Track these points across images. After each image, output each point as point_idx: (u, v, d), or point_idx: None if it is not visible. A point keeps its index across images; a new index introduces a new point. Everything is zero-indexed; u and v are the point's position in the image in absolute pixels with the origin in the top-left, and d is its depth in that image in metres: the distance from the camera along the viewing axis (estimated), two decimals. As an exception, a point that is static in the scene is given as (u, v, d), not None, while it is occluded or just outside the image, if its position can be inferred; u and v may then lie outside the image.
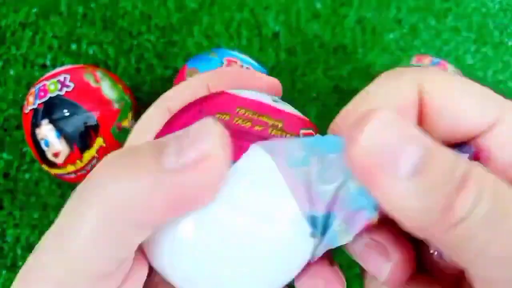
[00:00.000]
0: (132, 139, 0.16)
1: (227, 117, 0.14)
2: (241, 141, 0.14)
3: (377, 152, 0.10)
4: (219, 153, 0.12)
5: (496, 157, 0.13)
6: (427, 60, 0.29)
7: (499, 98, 0.13)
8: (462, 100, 0.13)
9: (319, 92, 0.34)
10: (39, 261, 0.13)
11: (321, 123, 0.36)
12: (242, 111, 0.15)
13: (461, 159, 0.11)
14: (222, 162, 0.12)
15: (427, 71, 0.13)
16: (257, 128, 0.14)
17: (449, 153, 0.11)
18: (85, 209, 0.13)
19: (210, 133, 0.12)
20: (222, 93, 0.15)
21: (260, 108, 0.15)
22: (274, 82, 0.16)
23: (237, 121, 0.14)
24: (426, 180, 0.10)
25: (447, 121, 0.13)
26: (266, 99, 0.15)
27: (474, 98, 0.13)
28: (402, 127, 0.11)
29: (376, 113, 0.11)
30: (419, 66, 0.28)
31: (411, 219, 0.11)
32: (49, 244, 0.13)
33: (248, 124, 0.14)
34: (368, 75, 0.35)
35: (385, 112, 0.11)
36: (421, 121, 0.13)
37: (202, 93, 0.16)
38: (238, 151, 0.13)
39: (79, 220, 0.13)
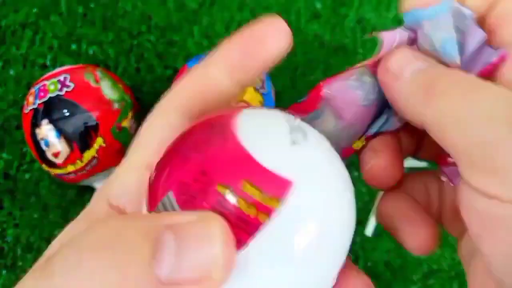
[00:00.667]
0: (136, 148, 0.16)
1: (228, 194, 0.11)
2: (239, 234, 0.11)
3: (394, 68, 0.15)
4: (220, 276, 0.10)
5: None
6: None
7: None
8: None
9: (319, 92, 0.34)
10: None
11: (321, 123, 0.36)
12: (248, 187, 0.12)
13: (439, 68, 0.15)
14: (221, 283, 0.11)
15: None
16: (260, 218, 0.12)
17: (437, 64, 0.15)
18: None
19: (212, 240, 0.10)
20: (230, 137, 0.12)
21: (269, 185, 0.12)
22: (280, 44, 0.17)
23: (240, 202, 0.11)
24: (419, 81, 0.15)
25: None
26: (283, 142, 0.13)
27: None
28: (413, 57, 0.15)
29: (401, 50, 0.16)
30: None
31: (409, 101, 0.15)
32: None
33: (252, 213, 0.11)
34: (368, 75, 0.35)
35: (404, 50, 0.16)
36: None
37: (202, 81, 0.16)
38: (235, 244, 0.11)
39: None
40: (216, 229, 0.11)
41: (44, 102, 0.27)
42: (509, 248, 0.12)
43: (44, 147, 0.27)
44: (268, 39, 0.16)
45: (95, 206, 0.16)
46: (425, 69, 0.15)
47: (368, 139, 0.17)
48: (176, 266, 0.10)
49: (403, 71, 0.15)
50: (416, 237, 0.17)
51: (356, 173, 0.32)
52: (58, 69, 0.29)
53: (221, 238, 0.10)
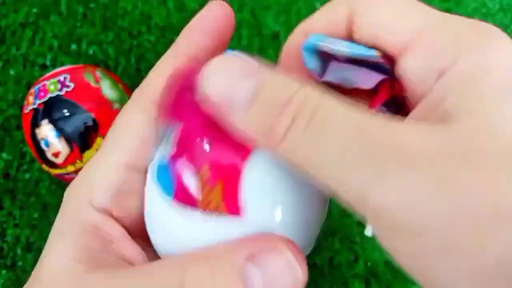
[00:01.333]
0: (111, 145, 0.16)
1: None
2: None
3: (218, 89, 0.12)
4: None
5: (409, 76, 0.13)
6: None
7: (423, 9, 0.14)
8: (385, 16, 0.13)
9: (319, 92, 0.34)
10: None
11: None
12: (205, 170, 0.13)
13: (293, 84, 0.12)
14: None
15: None
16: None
17: (281, 80, 0.12)
18: None
19: (292, 265, 0.12)
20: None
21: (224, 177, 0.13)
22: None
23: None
24: (258, 108, 0.12)
25: (370, 37, 0.14)
26: None
27: (397, 13, 0.13)
28: (239, 63, 0.12)
29: (219, 57, 0.12)
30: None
31: (257, 142, 0.12)
32: None
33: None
34: (368, 75, 0.35)
35: (227, 54, 0.12)
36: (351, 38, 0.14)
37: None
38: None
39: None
40: (288, 253, 0.12)
41: (44, 102, 0.27)
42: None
43: (44, 147, 0.27)
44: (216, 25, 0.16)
45: (78, 211, 0.16)
46: (260, 92, 0.12)
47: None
48: None
49: (232, 97, 0.12)
50: None
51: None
52: (58, 69, 0.29)
53: (296, 259, 0.12)
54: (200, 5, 0.36)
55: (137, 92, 0.17)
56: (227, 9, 0.16)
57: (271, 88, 0.12)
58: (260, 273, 0.12)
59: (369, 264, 0.30)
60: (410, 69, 0.13)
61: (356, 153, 0.11)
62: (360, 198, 0.11)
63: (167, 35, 0.36)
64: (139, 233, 0.16)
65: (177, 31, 0.36)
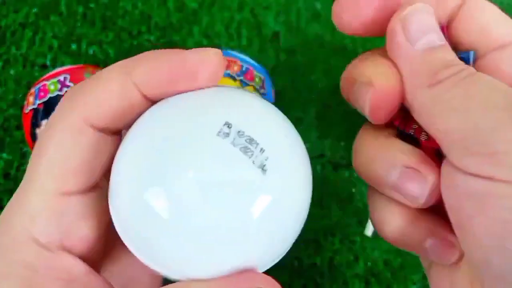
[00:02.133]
0: (41, 169, 0.14)
1: None
2: None
3: (411, 31, 0.15)
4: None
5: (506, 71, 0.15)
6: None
7: None
8: (490, 16, 0.16)
9: (319, 92, 0.34)
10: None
11: (321, 123, 0.36)
12: None
13: (457, 60, 0.14)
14: None
15: None
16: None
17: (451, 54, 0.15)
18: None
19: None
20: None
21: None
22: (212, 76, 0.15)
23: None
24: (430, 57, 0.14)
25: (472, 31, 0.16)
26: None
27: (501, 18, 0.16)
28: (433, 26, 0.15)
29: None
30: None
31: (409, 78, 0.15)
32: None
33: None
34: (368, 75, 0.35)
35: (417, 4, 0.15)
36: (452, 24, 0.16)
37: (129, 94, 0.14)
38: None
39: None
40: None
41: (44, 102, 0.27)
42: (502, 226, 0.12)
43: (44, 147, 0.27)
44: (199, 75, 0.14)
45: (20, 251, 0.14)
46: (436, 48, 0.15)
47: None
48: None
49: (418, 40, 0.15)
50: None
51: (356, 174, 0.32)
52: (58, 69, 0.29)
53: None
54: (200, 5, 0.36)
55: (66, 105, 0.15)
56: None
57: (442, 48, 0.15)
58: None
59: (369, 264, 0.30)
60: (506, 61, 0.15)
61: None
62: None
63: (167, 35, 0.36)
64: (98, 259, 0.15)
65: (177, 31, 0.36)
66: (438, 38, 0.15)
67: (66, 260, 0.14)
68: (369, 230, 0.31)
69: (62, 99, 0.15)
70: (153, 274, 0.17)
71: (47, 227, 0.14)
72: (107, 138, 0.15)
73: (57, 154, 0.14)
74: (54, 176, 0.14)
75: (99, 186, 0.15)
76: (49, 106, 0.27)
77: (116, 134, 0.15)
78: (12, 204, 0.14)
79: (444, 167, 0.14)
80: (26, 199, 0.14)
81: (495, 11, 0.16)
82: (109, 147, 0.15)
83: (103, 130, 0.14)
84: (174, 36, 0.36)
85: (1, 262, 0.13)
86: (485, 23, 0.15)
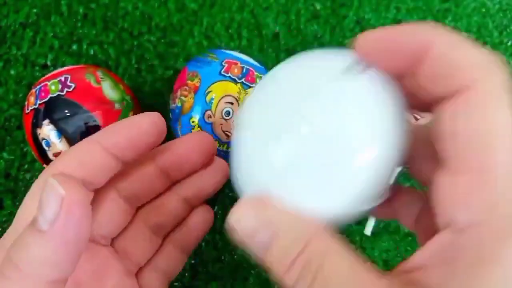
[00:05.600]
0: (15, 226, 0.18)
1: None
2: None
3: (243, 239, 0.15)
4: (69, 191, 0.15)
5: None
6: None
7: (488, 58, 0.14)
8: (460, 53, 0.14)
9: (319, 92, 0.34)
10: None
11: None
12: None
13: (300, 241, 0.14)
14: (76, 193, 0.16)
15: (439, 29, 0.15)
16: None
17: (291, 234, 0.15)
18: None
19: (55, 190, 0.15)
20: None
21: None
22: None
23: None
24: (272, 257, 0.14)
25: (443, 68, 0.14)
26: None
27: (468, 53, 0.14)
28: (259, 209, 0.15)
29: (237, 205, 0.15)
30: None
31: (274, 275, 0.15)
32: None
33: None
34: (367, 76, 0.35)
35: (245, 200, 0.15)
36: (417, 65, 0.15)
37: (102, 161, 0.19)
38: None
39: None
40: (52, 181, 0.16)
41: (45, 102, 0.27)
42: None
43: (45, 147, 0.27)
44: (144, 128, 0.20)
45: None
46: (271, 245, 0.15)
47: None
48: (42, 212, 0.16)
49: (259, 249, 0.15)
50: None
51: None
52: (59, 70, 0.29)
53: (58, 181, 0.16)
54: (200, 5, 0.37)
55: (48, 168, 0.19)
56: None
57: (280, 244, 0.14)
58: None
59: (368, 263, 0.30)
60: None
61: None
62: None
63: (168, 36, 0.36)
64: None
65: (177, 32, 0.36)
66: (266, 235, 0.15)
67: None
68: (368, 230, 0.31)
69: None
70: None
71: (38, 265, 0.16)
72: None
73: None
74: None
75: None
76: (49, 106, 0.27)
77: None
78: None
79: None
80: (23, 235, 0.17)
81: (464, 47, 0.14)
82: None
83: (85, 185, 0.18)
84: (174, 37, 0.36)
85: None
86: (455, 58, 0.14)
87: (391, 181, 0.16)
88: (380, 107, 0.15)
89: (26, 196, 0.19)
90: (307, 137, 0.15)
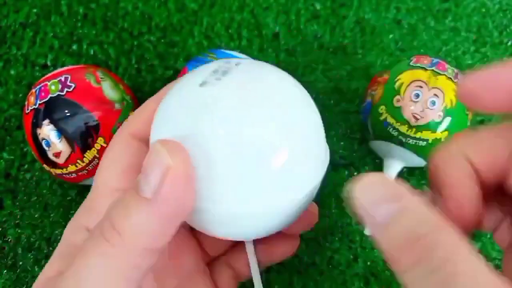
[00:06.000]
0: (101, 175, 0.19)
1: None
2: None
3: (364, 206, 0.14)
4: (176, 162, 0.15)
5: None
6: (426, 60, 0.29)
7: None
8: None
9: (319, 92, 0.35)
10: None
11: (321, 123, 0.36)
12: None
13: (431, 219, 0.13)
14: (184, 166, 0.15)
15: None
16: None
17: (420, 213, 0.13)
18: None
19: (161, 157, 0.15)
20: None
21: None
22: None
23: None
24: (392, 234, 0.13)
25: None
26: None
27: None
28: (379, 188, 0.14)
29: (367, 177, 0.14)
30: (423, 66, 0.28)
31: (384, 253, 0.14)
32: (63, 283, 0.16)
33: None
34: (367, 76, 0.35)
35: (372, 176, 0.14)
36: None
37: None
38: None
39: (95, 260, 0.15)
40: (161, 148, 0.15)
41: (45, 102, 0.27)
42: None
43: (45, 147, 0.27)
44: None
45: (74, 237, 0.18)
46: (395, 220, 0.13)
47: None
48: (146, 179, 0.15)
49: (376, 214, 0.14)
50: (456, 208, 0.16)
51: (355, 173, 0.32)
52: (59, 70, 0.29)
53: (166, 147, 0.15)
54: (200, 5, 0.37)
55: (120, 128, 0.20)
56: None
57: (408, 218, 0.13)
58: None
59: (368, 263, 0.30)
60: None
61: None
62: None
63: (168, 36, 0.36)
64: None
65: (177, 32, 0.36)
66: (392, 208, 0.13)
67: None
68: (368, 230, 0.31)
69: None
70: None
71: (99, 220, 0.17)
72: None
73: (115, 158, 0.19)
74: (110, 176, 0.19)
75: None
76: (49, 106, 0.27)
77: None
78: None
79: None
80: (89, 196, 0.19)
81: None
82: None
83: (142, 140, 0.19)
84: (174, 37, 0.36)
85: (66, 254, 0.18)
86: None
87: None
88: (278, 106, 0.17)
89: (105, 155, 0.20)
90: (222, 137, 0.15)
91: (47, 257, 0.30)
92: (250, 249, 0.22)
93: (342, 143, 0.33)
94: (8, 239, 0.31)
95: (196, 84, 0.17)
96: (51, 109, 0.27)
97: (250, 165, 0.15)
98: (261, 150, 0.15)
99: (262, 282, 0.22)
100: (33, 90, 0.28)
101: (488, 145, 0.15)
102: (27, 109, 0.28)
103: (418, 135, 0.27)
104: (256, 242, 0.23)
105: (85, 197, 0.32)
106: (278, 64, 0.35)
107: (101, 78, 0.28)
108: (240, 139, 0.15)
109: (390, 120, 0.27)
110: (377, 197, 0.14)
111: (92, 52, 0.35)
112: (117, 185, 0.19)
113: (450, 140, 0.16)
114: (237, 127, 0.15)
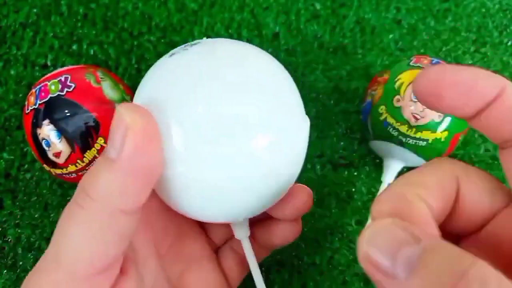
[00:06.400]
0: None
1: None
2: None
3: (375, 258, 0.12)
4: (136, 121, 0.15)
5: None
6: (426, 60, 0.29)
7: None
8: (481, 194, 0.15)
9: (319, 92, 0.35)
10: (38, 268, 0.16)
11: (321, 122, 0.36)
12: None
13: (465, 255, 0.11)
14: (143, 122, 0.15)
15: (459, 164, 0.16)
16: None
17: (451, 249, 0.11)
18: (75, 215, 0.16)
19: (121, 118, 0.15)
20: None
21: None
22: None
23: None
24: (423, 275, 0.11)
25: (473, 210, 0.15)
26: None
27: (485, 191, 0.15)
28: (395, 230, 0.12)
29: (373, 222, 0.12)
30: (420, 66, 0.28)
31: None
32: (45, 257, 0.16)
33: None
34: (367, 76, 0.35)
35: (381, 220, 0.12)
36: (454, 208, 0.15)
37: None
38: None
39: (70, 226, 0.16)
40: (122, 109, 0.16)
41: (45, 102, 0.27)
42: None
43: (45, 147, 0.27)
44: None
45: None
46: (423, 260, 0.11)
47: None
48: (111, 141, 0.16)
49: (395, 267, 0.11)
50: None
51: (355, 172, 0.32)
52: (59, 70, 0.29)
53: (126, 109, 0.16)
54: (200, 5, 0.37)
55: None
56: None
57: (440, 255, 0.11)
58: None
59: (368, 263, 0.30)
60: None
61: None
62: None
63: (168, 36, 0.36)
64: None
65: (177, 32, 0.36)
66: (415, 250, 0.11)
67: None
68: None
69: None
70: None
71: None
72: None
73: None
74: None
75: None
76: (49, 106, 0.27)
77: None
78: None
79: None
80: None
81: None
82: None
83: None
84: (174, 37, 0.36)
85: None
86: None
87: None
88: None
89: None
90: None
91: (47, 257, 0.30)
92: (246, 245, 0.22)
93: (342, 143, 0.33)
94: (8, 239, 0.31)
95: (166, 57, 0.19)
96: (51, 109, 0.27)
97: (226, 127, 0.16)
98: (235, 111, 0.16)
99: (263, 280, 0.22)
100: (33, 90, 0.28)
101: (437, 190, 0.15)
102: (27, 109, 0.28)
103: (418, 135, 0.27)
104: (255, 228, 0.23)
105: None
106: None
107: (101, 78, 0.28)
108: (210, 102, 0.16)
109: (390, 120, 0.27)
110: (395, 243, 0.12)
111: (92, 52, 0.35)
112: None
113: (396, 184, 0.15)
114: (206, 90, 0.16)
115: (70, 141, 0.27)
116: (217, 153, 0.16)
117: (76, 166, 0.27)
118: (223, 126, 0.16)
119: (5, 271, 0.30)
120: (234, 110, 0.16)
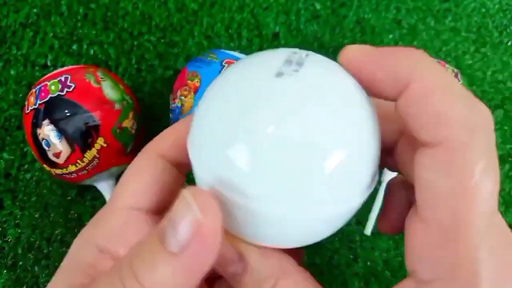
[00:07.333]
0: (118, 190, 0.18)
1: None
2: None
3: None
4: (208, 219, 0.14)
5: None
6: None
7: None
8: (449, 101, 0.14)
9: (319, 92, 0.35)
10: None
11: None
12: None
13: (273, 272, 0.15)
14: (214, 222, 0.14)
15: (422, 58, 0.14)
16: None
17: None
18: None
19: (189, 209, 0.14)
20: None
21: None
22: None
23: None
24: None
25: (423, 113, 0.14)
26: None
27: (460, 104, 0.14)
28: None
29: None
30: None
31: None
32: None
33: None
34: (367, 76, 0.35)
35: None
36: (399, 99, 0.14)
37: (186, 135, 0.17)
38: None
39: None
40: (190, 197, 0.14)
41: (45, 102, 0.27)
42: None
43: (45, 147, 0.27)
44: None
45: (83, 252, 0.17)
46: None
47: None
48: (175, 231, 0.14)
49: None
50: None
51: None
52: (59, 70, 0.29)
53: (197, 199, 0.14)
54: (200, 5, 0.37)
55: (146, 146, 0.19)
56: None
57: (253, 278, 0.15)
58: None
59: (368, 263, 0.30)
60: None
61: None
62: None
63: (168, 36, 0.36)
64: None
65: (177, 32, 0.36)
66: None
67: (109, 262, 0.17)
68: (368, 230, 0.31)
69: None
70: None
71: (109, 236, 0.17)
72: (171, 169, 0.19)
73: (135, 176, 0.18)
74: (128, 192, 0.18)
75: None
76: (49, 106, 0.27)
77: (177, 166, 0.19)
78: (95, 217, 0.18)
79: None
80: (102, 211, 0.18)
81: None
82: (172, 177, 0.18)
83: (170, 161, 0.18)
84: (174, 37, 0.36)
85: (71, 267, 0.17)
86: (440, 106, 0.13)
87: (376, 174, 0.16)
88: (342, 101, 0.15)
89: (127, 171, 0.18)
90: (272, 138, 0.14)
91: (47, 257, 0.30)
92: None
93: (342, 143, 0.33)
94: (8, 239, 0.31)
95: (272, 74, 0.15)
96: (51, 109, 0.27)
97: (304, 166, 0.14)
98: (317, 151, 0.14)
99: None
100: (33, 90, 0.28)
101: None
102: (27, 109, 0.28)
103: None
104: None
105: (85, 197, 0.32)
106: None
107: (101, 78, 0.28)
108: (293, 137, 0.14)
109: None
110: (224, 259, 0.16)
111: (92, 52, 0.35)
112: (134, 203, 0.18)
113: None
114: (291, 124, 0.14)
115: (70, 141, 0.27)
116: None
117: (76, 166, 0.27)
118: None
119: (5, 271, 0.30)
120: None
